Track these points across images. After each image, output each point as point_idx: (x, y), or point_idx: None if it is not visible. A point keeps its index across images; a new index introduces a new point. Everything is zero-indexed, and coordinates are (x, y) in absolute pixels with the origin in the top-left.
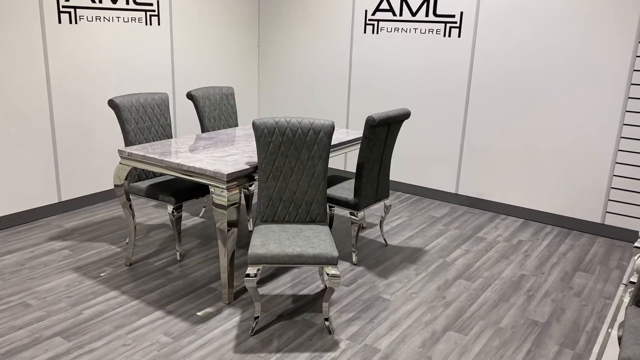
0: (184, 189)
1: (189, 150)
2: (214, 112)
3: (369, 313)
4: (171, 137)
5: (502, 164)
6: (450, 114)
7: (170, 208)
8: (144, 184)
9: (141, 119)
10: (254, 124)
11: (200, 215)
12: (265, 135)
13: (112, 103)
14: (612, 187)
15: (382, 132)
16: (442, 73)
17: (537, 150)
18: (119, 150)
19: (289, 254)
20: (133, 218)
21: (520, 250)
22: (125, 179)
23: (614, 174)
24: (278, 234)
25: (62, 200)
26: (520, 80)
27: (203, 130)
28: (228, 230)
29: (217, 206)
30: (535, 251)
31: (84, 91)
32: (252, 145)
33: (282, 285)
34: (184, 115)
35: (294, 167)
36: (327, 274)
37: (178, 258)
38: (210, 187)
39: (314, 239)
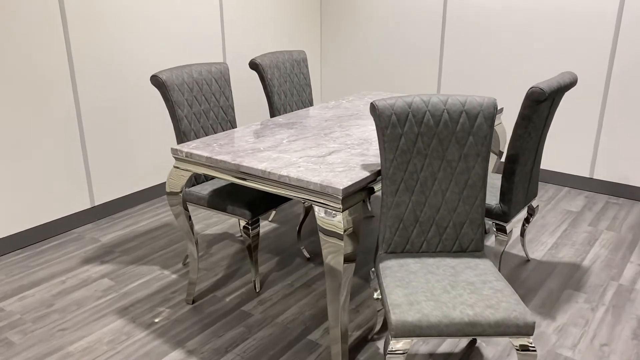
0: (261, 197)
1: (270, 146)
2: (284, 85)
3: None
4: (235, 125)
5: None
6: (587, 71)
7: (242, 223)
8: (204, 190)
9: (196, 101)
10: (375, 109)
11: (270, 219)
12: (394, 124)
13: (156, 80)
14: None
15: (545, 110)
16: (574, 18)
17: None
18: (172, 149)
19: (456, 321)
20: (193, 234)
21: None
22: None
23: None
24: (424, 278)
25: (96, 204)
26: None
27: (272, 111)
28: (343, 268)
29: (327, 234)
30: None
31: (116, 64)
32: (354, 134)
33: None
34: (239, 92)
35: (436, 173)
36: (515, 346)
37: (256, 290)
38: (314, 206)
39: (486, 290)
